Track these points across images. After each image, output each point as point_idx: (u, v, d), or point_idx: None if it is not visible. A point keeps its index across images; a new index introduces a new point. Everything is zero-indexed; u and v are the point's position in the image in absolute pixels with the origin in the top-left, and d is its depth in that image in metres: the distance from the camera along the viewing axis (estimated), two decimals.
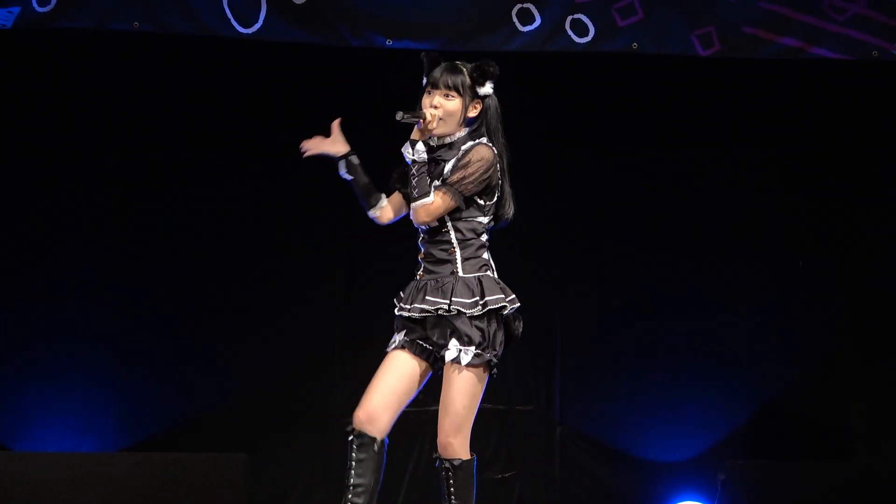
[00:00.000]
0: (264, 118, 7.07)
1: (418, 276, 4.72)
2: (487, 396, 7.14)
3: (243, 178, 7.13)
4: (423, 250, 4.74)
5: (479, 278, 4.64)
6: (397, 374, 4.68)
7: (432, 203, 4.60)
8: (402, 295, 4.75)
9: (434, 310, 4.61)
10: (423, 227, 4.70)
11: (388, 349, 4.74)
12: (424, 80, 4.74)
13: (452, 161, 4.65)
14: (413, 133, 4.67)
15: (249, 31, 6.39)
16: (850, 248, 7.44)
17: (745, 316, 7.42)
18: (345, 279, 7.22)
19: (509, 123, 7.24)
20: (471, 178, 4.62)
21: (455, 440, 4.62)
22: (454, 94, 4.66)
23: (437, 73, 4.68)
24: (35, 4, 6.25)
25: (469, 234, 4.67)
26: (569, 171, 7.39)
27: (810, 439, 7.38)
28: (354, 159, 4.80)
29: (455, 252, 4.66)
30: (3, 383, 6.91)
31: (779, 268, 7.45)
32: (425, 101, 4.68)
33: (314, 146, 4.83)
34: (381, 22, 6.45)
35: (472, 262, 4.66)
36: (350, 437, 4.62)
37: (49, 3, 6.26)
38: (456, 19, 6.53)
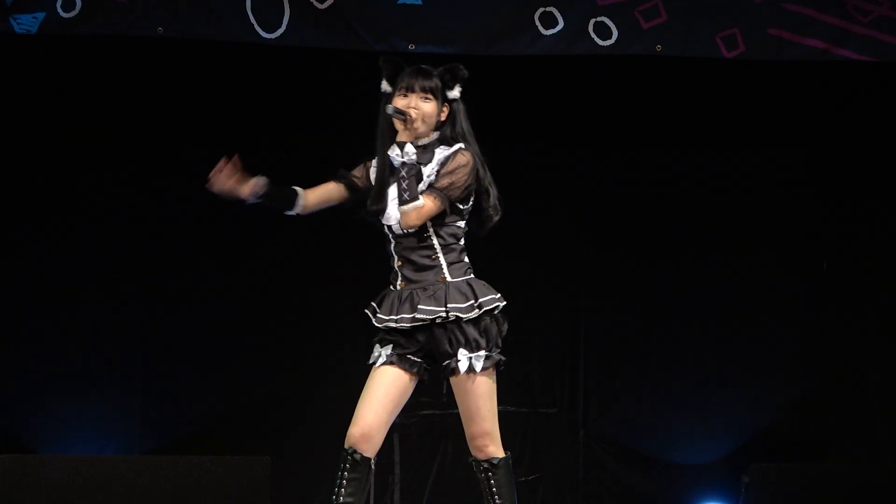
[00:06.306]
0: (287, 121, 7.09)
1: (398, 286, 4.68)
2: (511, 399, 7.23)
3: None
4: (398, 258, 4.68)
5: (468, 282, 4.64)
6: (388, 390, 4.63)
7: (423, 206, 4.59)
8: (375, 306, 4.72)
9: (431, 319, 4.58)
10: (399, 233, 4.64)
11: (375, 364, 4.67)
12: (386, 85, 4.70)
13: (433, 165, 4.65)
14: (399, 135, 4.65)
15: (272, 35, 6.38)
16: (876, 252, 7.41)
17: (769, 319, 7.41)
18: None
19: (533, 127, 7.30)
20: (458, 184, 4.63)
21: (490, 442, 4.62)
22: (430, 96, 4.67)
23: (410, 76, 4.67)
24: (60, 10, 6.24)
25: (450, 240, 4.67)
26: (593, 175, 7.39)
27: (834, 442, 7.37)
28: (268, 187, 4.71)
29: (439, 258, 4.65)
30: (28, 387, 6.96)
31: (804, 271, 7.43)
32: (399, 102, 4.66)
33: (221, 184, 4.67)
34: (403, 26, 6.43)
35: (457, 266, 4.67)
36: (347, 456, 4.56)
37: (74, 8, 6.26)
38: (479, 23, 6.49)
